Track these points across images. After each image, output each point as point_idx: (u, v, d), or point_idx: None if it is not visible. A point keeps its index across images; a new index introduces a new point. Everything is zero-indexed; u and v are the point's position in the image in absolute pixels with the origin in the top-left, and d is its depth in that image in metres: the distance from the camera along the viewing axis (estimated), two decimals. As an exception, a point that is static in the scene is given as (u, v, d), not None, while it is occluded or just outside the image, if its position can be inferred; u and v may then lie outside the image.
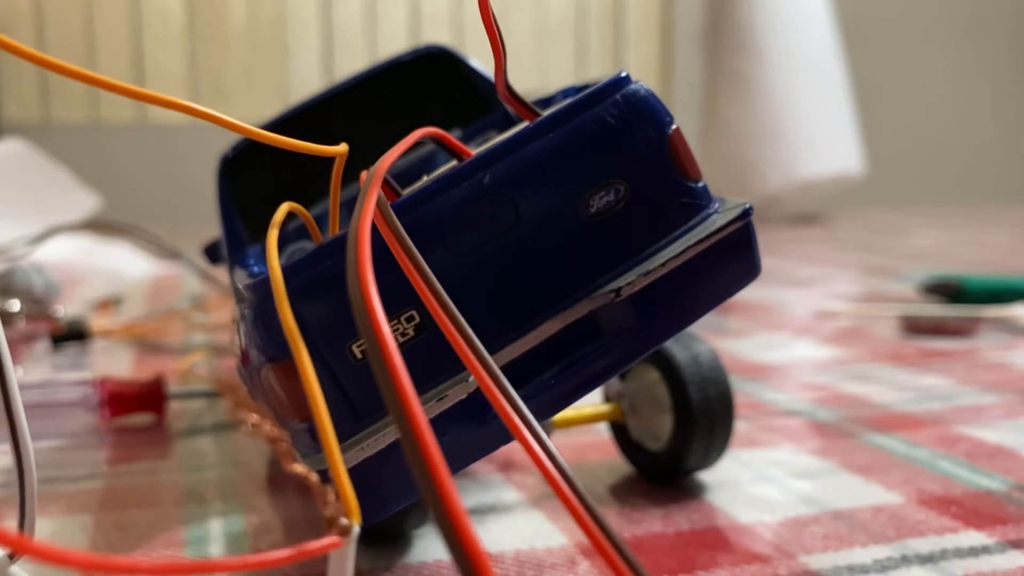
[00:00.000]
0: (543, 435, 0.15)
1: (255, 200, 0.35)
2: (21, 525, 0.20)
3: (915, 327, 0.57)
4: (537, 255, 0.22)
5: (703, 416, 0.29)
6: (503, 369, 0.22)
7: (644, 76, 1.95)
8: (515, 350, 0.22)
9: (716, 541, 0.27)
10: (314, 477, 0.19)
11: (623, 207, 0.23)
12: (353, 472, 0.22)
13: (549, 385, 0.22)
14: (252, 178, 0.35)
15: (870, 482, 0.31)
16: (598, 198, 0.23)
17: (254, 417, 0.20)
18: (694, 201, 0.23)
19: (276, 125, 0.35)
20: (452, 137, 0.25)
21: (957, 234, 1.22)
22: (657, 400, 0.30)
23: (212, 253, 0.39)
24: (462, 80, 0.36)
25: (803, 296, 0.72)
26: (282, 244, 0.33)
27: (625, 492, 0.31)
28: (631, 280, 0.22)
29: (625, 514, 0.29)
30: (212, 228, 1.72)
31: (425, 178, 0.29)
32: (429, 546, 0.27)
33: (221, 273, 0.95)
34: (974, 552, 0.26)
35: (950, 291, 0.64)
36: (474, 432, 0.22)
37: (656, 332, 0.23)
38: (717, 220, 0.23)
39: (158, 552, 0.27)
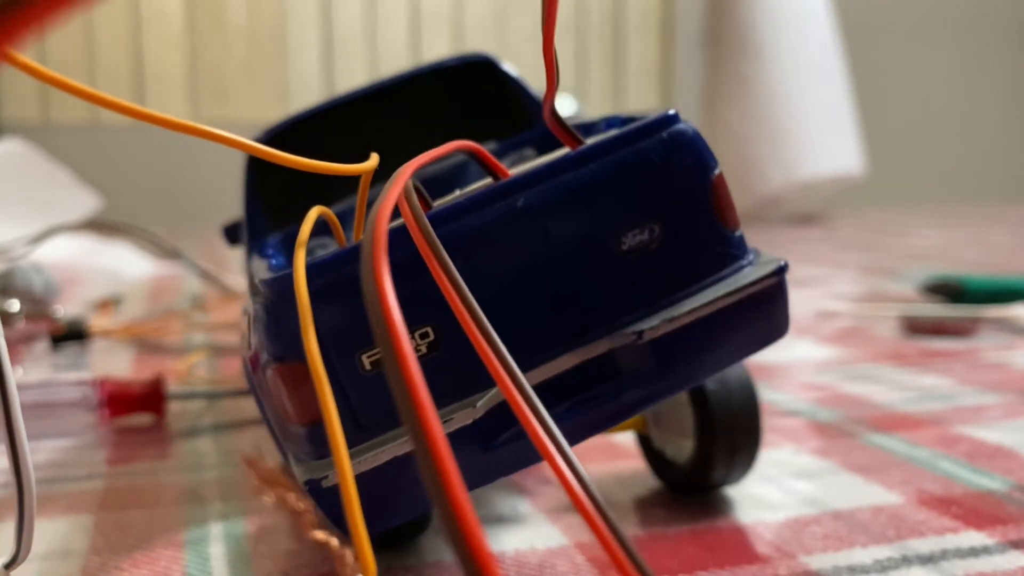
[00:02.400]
0: (572, 456, 0.15)
1: (283, 187, 0.34)
2: (20, 528, 0.20)
3: (915, 327, 0.57)
4: (562, 286, 0.22)
5: (726, 429, 0.28)
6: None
7: (644, 76, 1.94)
8: (529, 380, 0.22)
9: (716, 541, 0.26)
10: (334, 541, 0.19)
11: (656, 248, 0.22)
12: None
13: (559, 420, 0.22)
14: (282, 165, 0.34)
15: (870, 482, 0.31)
16: (631, 235, 0.22)
17: (280, 489, 0.20)
18: (729, 250, 0.23)
19: (313, 115, 0.34)
20: (488, 153, 0.24)
21: (957, 234, 1.22)
22: (680, 411, 0.30)
23: (231, 234, 0.39)
24: (504, 92, 0.35)
25: (803, 296, 0.71)
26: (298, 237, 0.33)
27: (626, 492, 0.31)
28: (655, 324, 0.22)
29: (626, 514, 0.29)
30: (212, 228, 1.72)
31: (458, 192, 0.28)
32: (429, 547, 0.27)
33: (220, 273, 0.95)
34: (974, 552, 0.26)
35: (950, 291, 0.63)
36: (476, 459, 0.21)
37: (673, 381, 0.22)
38: (750, 273, 0.23)
39: (157, 552, 0.27)
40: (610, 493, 0.31)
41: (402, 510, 0.22)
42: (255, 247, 0.31)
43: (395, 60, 1.79)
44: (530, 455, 0.22)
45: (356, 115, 0.35)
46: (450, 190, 0.33)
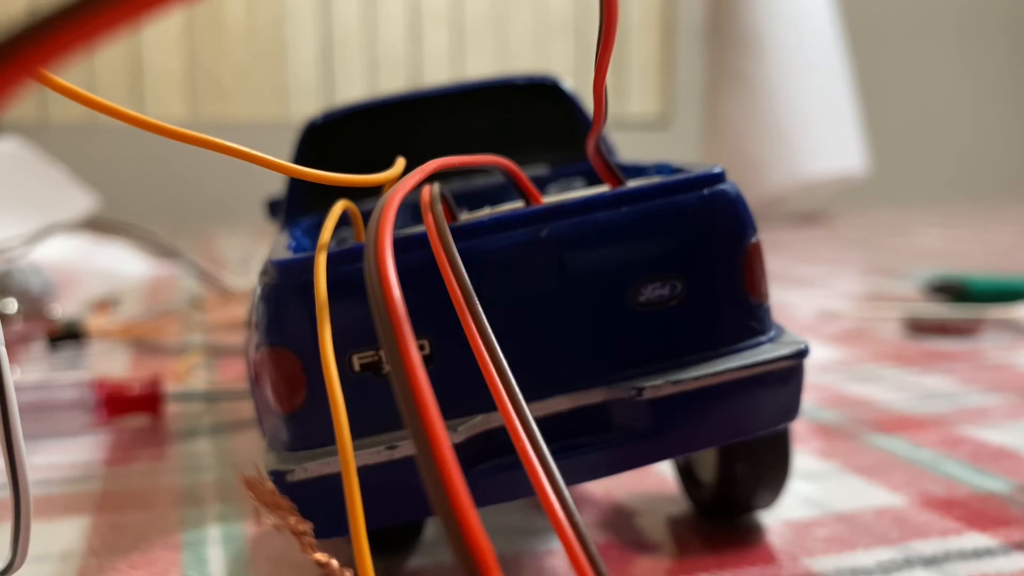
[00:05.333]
0: (564, 490, 0.14)
1: (332, 170, 0.34)
2: (15, 534, 0.20)
3: (919, 327, 0.57)
4: (569, 325, 0.21)
5: (748, 452, 0.26)
6: (497, 431, 0.21)
7: (645, 75, 1.94)
8: None
9: (719, 543, 0.26)
10: (335, 563, 0.19)
11: (675, 306, 0.22)
12: (310, 484, 0.21)
13: None
14: (332, 149, 0.34)
15: (873, 484, 0.31)
16: (651, 288, 0.21)
17: (280, 511, 0.19)
18: (751, 322, 0.22)
19: (371, 108, 0.34)
20: (524, 175, 0.23)
21: (961, 233, 1.22)
22: None
23: (272, 208, 0.38)
24: (566, 119, 0.35)
25: (806, 296, 0.71)
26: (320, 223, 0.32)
27: (625, 494, 0.30)
28: (657, 384, 0.21)
29: (627, 517, 0.28)
30: (210, 228, 1.72)
31: (488, 209, 0.27)
32: (427, 548, 0.26)
33: (219, 273, 0.95)
34: (977, 554, 0.25)
35: (954, 291, 0.63)
36: None
37: (666, 446, 0.21)
38: (768, 350, 0.22)
39: (155, 554, 0.26)
40: (605, 495, 0.30)
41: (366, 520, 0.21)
42: (287, 225, 0.31)
43: (394, 60, 1.79)
44: (504, 491, 0.21)
45: (416, 115, 0.34)
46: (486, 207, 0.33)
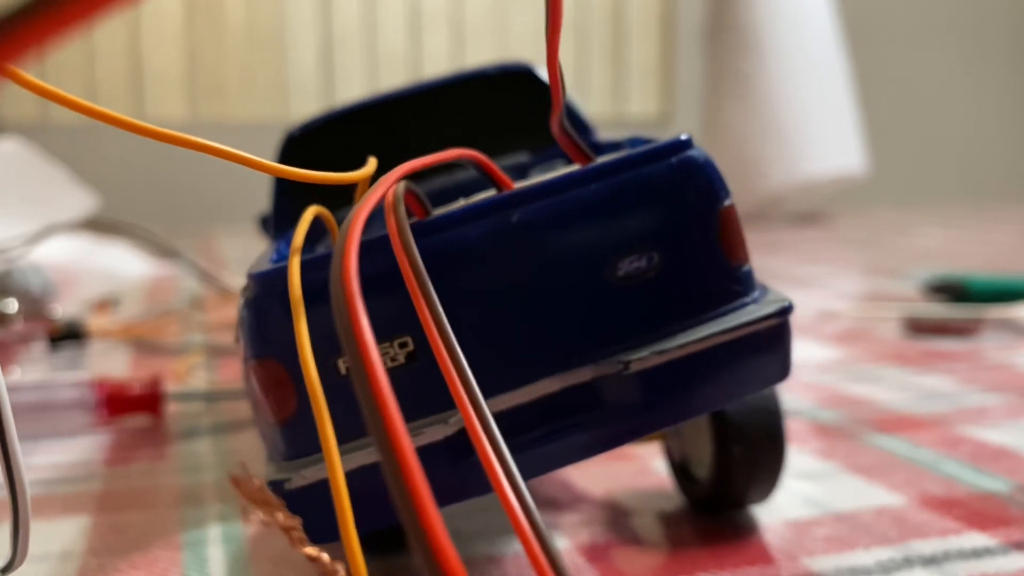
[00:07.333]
0: (523, 487, 0.14)
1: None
2: (15, 532, 0.20)
3: (918, 327, 0.57)
4: (550, 308, 0.21)
5: (745, 438, 0.26)
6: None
7: (645, 74, 1.94)
8: (506, 401, 0.21)
9: (718, 543, 0.26)
10: (325, 557, 0.18)
11: (653, 276, 0.21)
12: (308, 490, 0.21)
13: (535, 444, 0.21)
14: (314, 158, 0.34)
15: (873, 483, 0.31)
16: (628, 262, 0.21)
17: (268, 507, 0.19)
18: (732, 286, 0.22)
19: (349, 113, 0.34)
20: (493, 164, 0.23)
21: (961, 233, 1.22)
22: (698, 420, 0.28)
23: (264, 223, 0.38)
24: (542, 104, 0.35)
25: (805, 296, 0.71)
26: (316, 236, 0.32)
27: (623, 493, 0.30)
28: (644, 355, 0.21)
29: (625, 516, 0.28)
30: (210, 228, 1.72)
31: (462, 201, 0.27)
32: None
33: (219, 273, 0.95)
34: (977, 554, 0.25)
35: (954, 291, 0.63)
36: (443, 477, 0.21)
37: (658, 416, 0.21)
38: (753, 311, 0.22)
39: (155, 554, 0.26)
40: (604, 496, 0.30)
41: (361, 522, 0.21)
42: (275, 239, 0.31)
43: (394, 60, 1.79)
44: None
45: (393, 116, 0.34)
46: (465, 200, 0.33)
